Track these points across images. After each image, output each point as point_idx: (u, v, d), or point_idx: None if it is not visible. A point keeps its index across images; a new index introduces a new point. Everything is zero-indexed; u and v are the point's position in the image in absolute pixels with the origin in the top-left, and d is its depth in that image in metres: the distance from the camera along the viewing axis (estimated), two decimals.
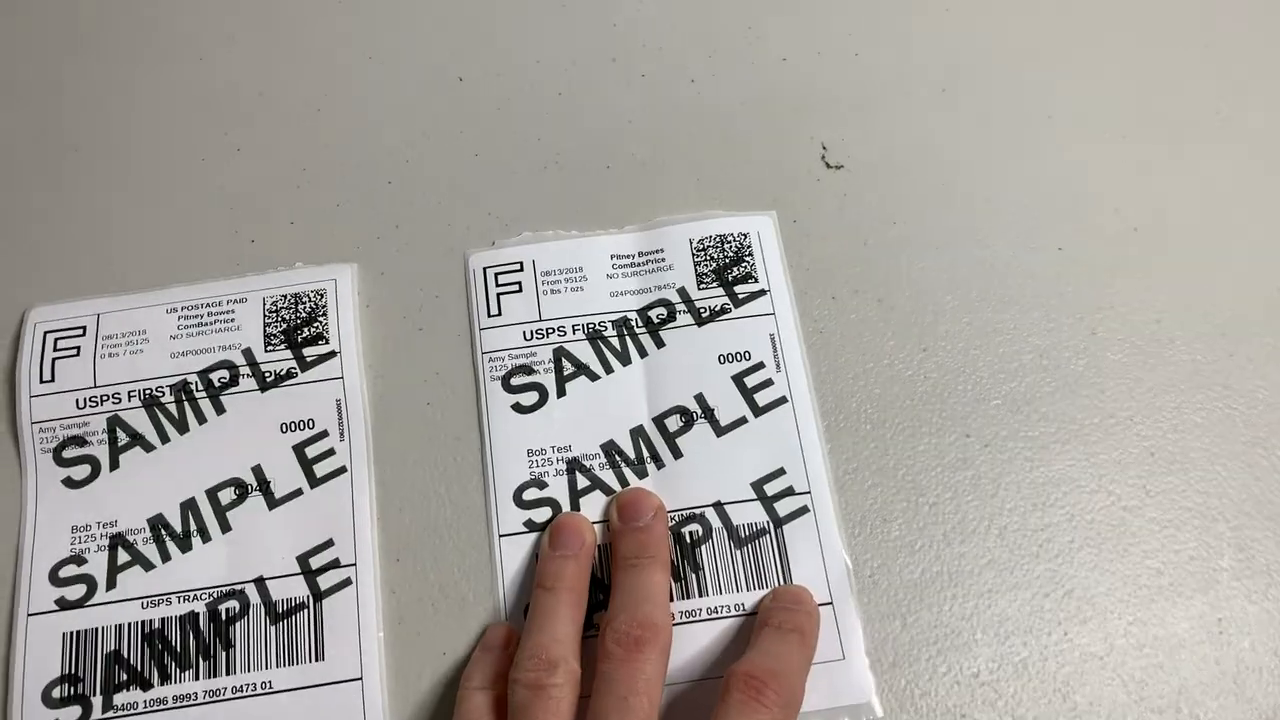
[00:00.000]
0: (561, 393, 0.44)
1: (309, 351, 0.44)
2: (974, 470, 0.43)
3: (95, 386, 0.44)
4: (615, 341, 0.44)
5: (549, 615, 0.38)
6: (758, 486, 0.42)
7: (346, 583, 0.41)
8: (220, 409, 0.43)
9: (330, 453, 0.43)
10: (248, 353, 0.44)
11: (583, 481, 0.42)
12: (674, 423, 0.43)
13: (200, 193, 0.48)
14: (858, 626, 0.40)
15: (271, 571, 0.41)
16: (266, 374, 0.44)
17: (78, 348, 0.44)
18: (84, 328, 0.45)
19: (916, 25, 0.52)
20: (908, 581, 0.41)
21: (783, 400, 0.43)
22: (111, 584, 0.41)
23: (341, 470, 0.43)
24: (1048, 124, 0.49)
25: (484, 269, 0.46)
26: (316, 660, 0.40)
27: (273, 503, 0.42)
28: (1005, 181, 0.48)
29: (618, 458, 0.43)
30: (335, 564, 0.41)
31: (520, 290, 0.45)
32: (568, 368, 0.44)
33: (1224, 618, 0.40)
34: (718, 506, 0.42)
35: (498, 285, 0.45)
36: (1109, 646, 0.40)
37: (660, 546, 0.40)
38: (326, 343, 0.44)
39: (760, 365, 0.44)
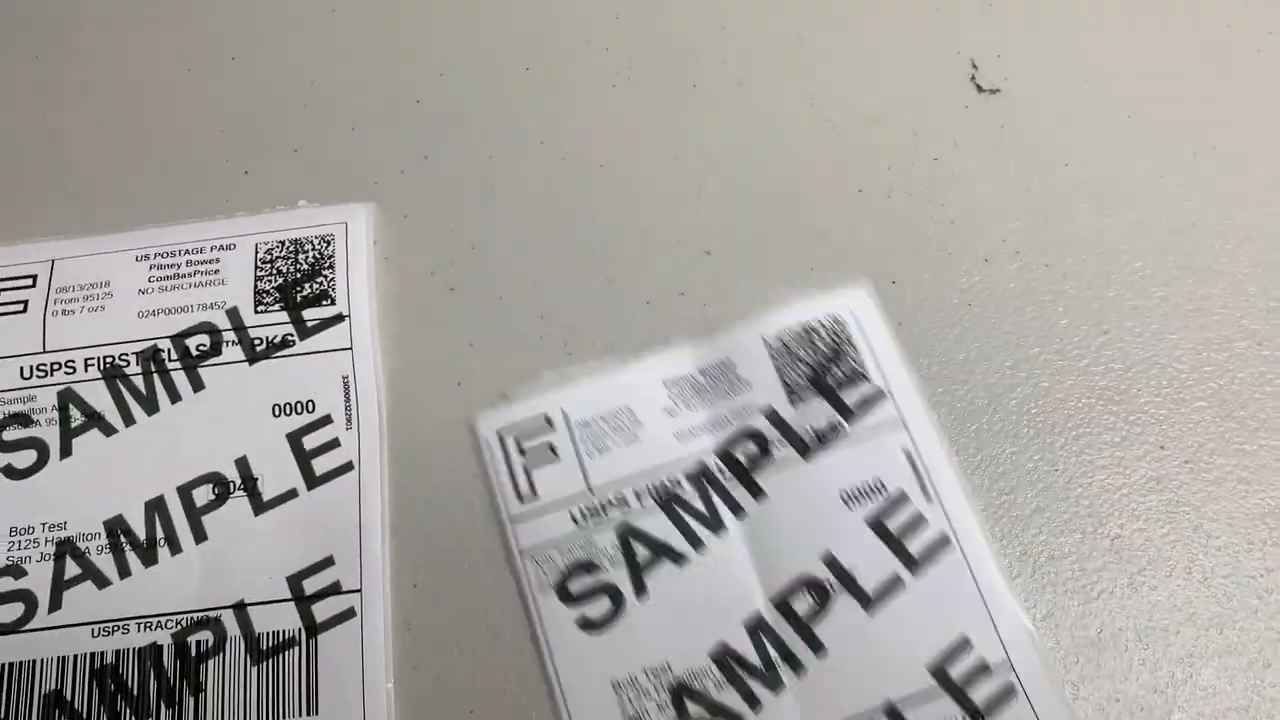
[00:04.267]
0: (641, 590, 0.32)
1: (310, 314, 0.35)
2: (1171, 494, 0.32)
3: (45, 352, 0.35)
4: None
5: None
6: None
7: (349, 614, 0.32)
8: (198, 384, 0.34)
9: (334, 444, 0.34)
10: (234, 314, 0.35)
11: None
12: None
13: (184, 109, 0.39)
14: None
15: (255, 595, 0.32)
16: (257, 341, 0.35)
17: (25, 302, 0.35)
18: (34, 277, 0.36)
19: None
20: (1080, 640, 0.31)
21: (348, 467, 0.33)
22: (56, 604, 0.32)
23: (348, 467, 0.34)
24: (1269, 41, 0.38)
25: (498, 435, 0.34)
26: (309, 714, 0.31)
27: (260, 506, 0.33)
28: (1215, 113, 0.37)
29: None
30: (335, 589, 0.32)
31: (557, 457, 0.34)
32: (641, 554, 0.33)
33: None
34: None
35: (523, 454, 0.34)
36: None
37: None
38: (333, 303, 0.35)
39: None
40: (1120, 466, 0.33)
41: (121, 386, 0.34)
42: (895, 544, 0.32)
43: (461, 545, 0.33)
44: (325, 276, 0.35)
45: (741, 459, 0.34)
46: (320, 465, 0.34)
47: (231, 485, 0.33)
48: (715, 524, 0.33)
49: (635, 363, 0.35)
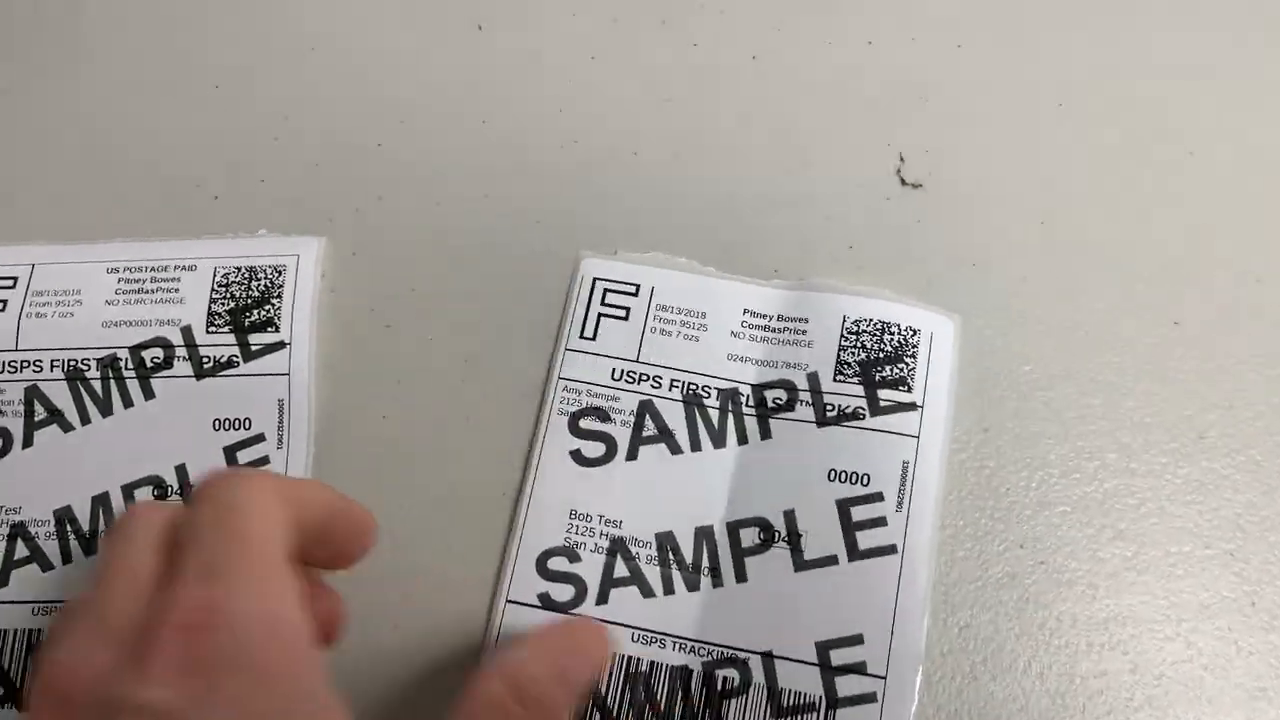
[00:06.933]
0: (633, 455, 0.36)
1: (255, 339, 0.38)
2: (1022, 590, 0.35)
3: (17, 350, 0.38)
4: (715, 415, 0.36)
5: None
6: (824, 650, 0.34)
7: None
8: (149, 393, 0.38)
9: (264, 461, 0.37)
10: (187, 331, 0.38)
11: (621, 569, 0.35)
12: (750, 536, 0.35)
13: (166, 131, 0.41)
14: None
15: None
16: (205, 359, 0.38)
17: (4, 301, 0.39)
18: (15, 279, 0.39)
19: (1036, 21, 0.42)
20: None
21: (891, 549, 0.35)
22: (4, 581, 0.36)
23: None
24: (1189, 161, 0.39)
25: (594, 280, 0.38)
26: None
27: None
28: (1120, 228, 0.38)
29: (671, 556, 0.35)
30: None
31: (626, 319, 0.38)
32: (649, 428, 0.36)
33: None
34: (767, 658, 0.34)
35: (603, 304, 0.38)
36: None
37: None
38: (276, 330, 0.38)
39: (878, 497, 0.35)
40: (979, 559, 0.35)
41: (81, 388, 0.38)
42: (850, 530, 0.35)
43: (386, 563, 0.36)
44: (273, 305, 0.38)
45: (768, 400, 0.36)
46: None
47: (169, 489, 0.37)
48: (719, 439, 0.36)
49: (729, 280, 0.38)
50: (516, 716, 0.28)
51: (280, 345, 0.38)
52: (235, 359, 0.38)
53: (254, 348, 0.38)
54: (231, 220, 0.40)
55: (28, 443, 0.37)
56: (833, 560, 0.35)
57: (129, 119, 0.42)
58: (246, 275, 0.39)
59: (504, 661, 0.30)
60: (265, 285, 0.39)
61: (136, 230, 0.40)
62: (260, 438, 0.37)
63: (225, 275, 0.39)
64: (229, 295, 0.39)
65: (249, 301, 0.38)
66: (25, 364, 0.38)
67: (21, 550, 0.36)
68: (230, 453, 0.37)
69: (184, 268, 0.39)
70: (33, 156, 0.41)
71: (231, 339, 0.38)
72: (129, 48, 0.43)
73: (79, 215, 0.40)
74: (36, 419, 0.38)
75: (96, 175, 0.41)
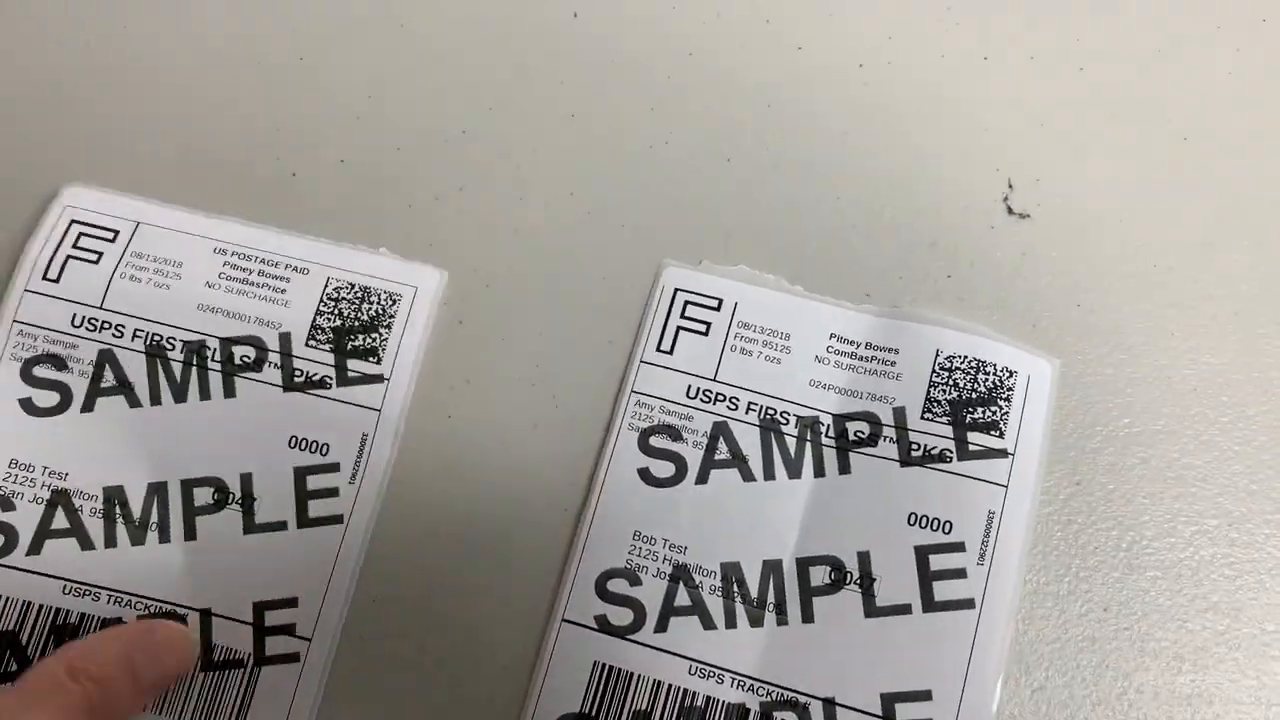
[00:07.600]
0: (703, 479, 0.35)
1: (354, 366, 0.36)
2: (1102, 656, 0.33)
3: (100, 308, 0.36)
4: (792, 444, 0.35)
5: None
6: (889, 702, 0.32)
7: (294, 658, 0.34)
8: (230, 391, 0.36)
9: (334, 493, 0.35)
10: (285, 339, 0.36)
11: (683, 597, 0.34)
12: (820, 575, 0.34)
13: (244, 101, 0.39)
14: None
15: (221, 609, 0.34)
16: (296, 372, 0.36)
17: (100, 254, 0.37)
18: (116, 233, 0.37)
19: (1165, 47, 0.39)
20: None
21: (969, 604, 0.33)
22: (36, 548, 0.34)
23: (337, 519, 0.35)
24: None
25: (675, 290, 0.37)
26: None
27: (250, 526, 0.35)
28: (1242, 278, 0.36)
29: (736, 588, 0.34)
30: (290, 630, 0.34)
31: (706, 334, 0.36)
32: (722, 451, 0.35)
33: None
34: (829, 704, 0.33)
35: (683, 317, 0.36)
36: None
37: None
38: (378, 362, 0.36)
39: (959, 546, 0.33)
40: (1060, 620, 0.33)
41: (159, 366, 0.36)
42: (926, 579, 0.33)
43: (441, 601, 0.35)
44: (380, 334, 0.36)
45: (850, 433, 0.35)
46: (315, 508, 0.35)
47: (231, 496, 0.35)
48: (794, 470, 0.35)
49: (817, 301, 0.37)
50: (66, 689, 0.29)
51: (378, 379, 0.36)
52: (329, 380, 0.36)
53: (351, 374, 0.36)
54: (310, 196, 0.38)
55: (87, 407, 0.35)
56: (906, 609, 0.33)
57: (262, 82, 0.40)
58: (359, 295, 0.37)
59: (70, 645, 0.31)
60: (377, 311, 0.37)
61: (250, 211, 0.38)
62: (335, 467, 0.35)
63: (337, 289, 0.37)
64: (337, 312, 0.36)
65: (357, 325, 0.36)
66: (106, 325, 0.36)
67: (61, 520, 0.34)
68: (300, 474, 0.35)
69: (295, 268, 0.37)
70: (158, 101, 0.39)
71: (330, 358, 0.36)
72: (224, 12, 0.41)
73: (191, 176, 0.38)
74: (102, 385, 0.36)
75: (220, 136, 0.39)
